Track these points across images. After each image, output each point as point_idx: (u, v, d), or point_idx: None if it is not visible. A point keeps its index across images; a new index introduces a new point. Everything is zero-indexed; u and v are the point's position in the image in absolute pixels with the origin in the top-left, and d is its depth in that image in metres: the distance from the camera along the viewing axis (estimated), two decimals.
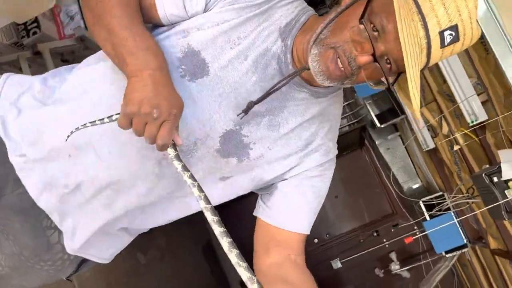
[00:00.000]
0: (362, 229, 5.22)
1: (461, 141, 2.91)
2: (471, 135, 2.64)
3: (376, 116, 4.07)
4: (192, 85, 0.90)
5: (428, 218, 3.62)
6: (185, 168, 0.84)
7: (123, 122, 0.81)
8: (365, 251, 4.73)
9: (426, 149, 3.46)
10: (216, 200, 1.05)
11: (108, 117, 0.86)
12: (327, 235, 5.24)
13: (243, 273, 0.75)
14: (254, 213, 1.08)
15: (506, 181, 2.03)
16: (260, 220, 1.05)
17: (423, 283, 4.21)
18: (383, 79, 0.90)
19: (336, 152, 1.07)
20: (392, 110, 3.98)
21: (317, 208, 1.07)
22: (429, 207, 3.53)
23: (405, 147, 4.34)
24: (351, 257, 5.04)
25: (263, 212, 1.05)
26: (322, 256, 5.13)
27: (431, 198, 3.51)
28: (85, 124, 0.86)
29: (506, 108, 2.00)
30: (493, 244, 3.30)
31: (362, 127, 4.59)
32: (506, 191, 2.00)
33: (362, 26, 0.84)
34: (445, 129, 3.11)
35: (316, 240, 5.27)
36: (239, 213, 5.54)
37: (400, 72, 0.90)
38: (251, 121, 0.96)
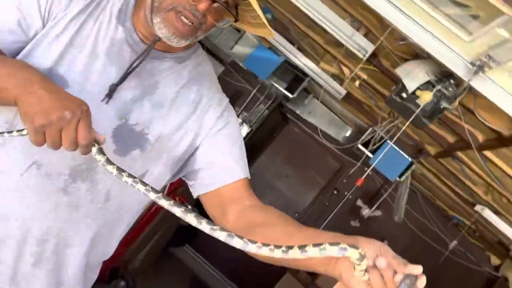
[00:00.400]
0: (322, 194, 5.38)
1: (364, 75, 3.10)
2: (368, 67, 2.82)
3: (285, 89, 4.20)
4: None
5: (370, 155, 3.82)
6: (120, 170, 0.81)
7: (36, 138, 0.76)
8: (334, 211, 4.89)
9: (340, 97, 3.64)
10: (140, 202, 1.03)
11: (17, 131, 0.80)
12: (296, 214, 5.34)
13: (220, 234, 0.73)
14: (195, 195, 1.05)
15: (413, 92, 2.19)
16: (202, 197, 1.03)
17: (394, 212, 4.44)
18: (226, 17, 0.97)
19: (227, 99, 1.10)
20: (296, 78, 4.12)
21: (241, 151, 1.05)
22: (367, 145, 3.71)
23: (322, 104, 4.52)
24: (326, 222, 5.17)
25: (199, 187, 1.03)
26: None
27: (365, 137, 3.70)
28: (2, 133, 0.82)
29: (383, 30, 2.16)
30: (432, 150, 3.56)
31: (278, 104, 4.72)
32: (417, 101, 2.16)
33: None
34: (347, 72, 3.29)
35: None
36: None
37: (236, 5, 0.96)
38: (133, 108, 0.95)
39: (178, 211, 0.76)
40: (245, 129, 5.10)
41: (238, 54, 4.29)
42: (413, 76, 2.16)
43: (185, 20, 0.90)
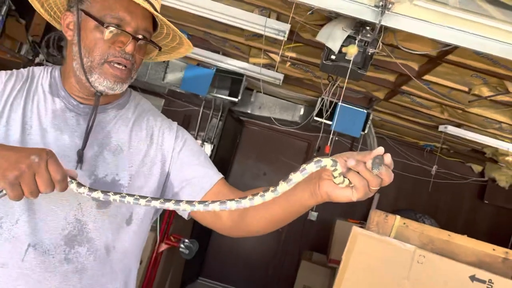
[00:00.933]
0: None
1: (292, 54, 3.20)
2: (292, 45, 2.92)
3: (228, 95, 4.26)
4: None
5: (328, 122, 3.94)
6: (105, 192, 0.84)
7: (14, 192, 0.78)
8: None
9: (280, 82, 3.74)
10: (139, 243, 1.07)
11: None
12: None
13: (214, 205, 0.77)
14: (186, 216, 1.09)
15: (340, 51, 2.30)
16: (193, 214, 1.07)
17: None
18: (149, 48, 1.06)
19: (175, 122, 1.16)
20: (234, 81, 4.19)
21: (207, 159, 1.12)
22: (322, 115, 3.82)
23: (267, 94, 4.61)
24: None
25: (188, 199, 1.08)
26: (297, 221, 5.30)
27: (317, 108, 3.81)
28: None
29: (290, 7, 2.26)
30: (380, 94, 3.71)
31: (228, 112, 4.78)
32: (346, 57, 2.27)
33: (110, 29, 0.95)
34: (276, 57, 3.38)
35: None
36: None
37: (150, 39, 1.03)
38: (97, 163, 1.00)
39: (171, 205, 0.81)
40: (208, 147, 5.14)
41: (172, 81, 4.33)
42: (333, 37, 2.27)
43: (119, 66, 0.97)
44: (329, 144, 2.89)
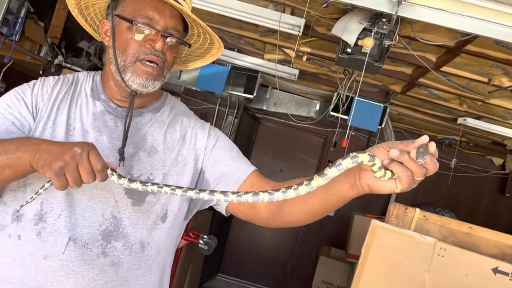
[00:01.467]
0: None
1: (307, 49, 3.19)
2: (307, 40, 2.91)
3: (244, 92, 4.27)
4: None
5: (345, 116, 3.92)
6: (143, 183, 0.88)
7: (59, 182, 0.84)
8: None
9: (295, 77, 3.73)
10: (173, 239, 1.10)
11: (42, 188, 0.91)
12: None
13: (247, 196, 0.77)
14: (225, 213, 1.12)
15: (356, 44, 2.29)
16: (231, 209, 1.10)
17: None
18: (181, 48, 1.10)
19: (208, 123, 1.20)
20: (249, 78, 4.20)
21: (239, 153, 1.14)
22: (338, 109, 3.80)
23: (282, 91, 4.61)
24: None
25: (222, 203, 1.09)
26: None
27: (333, 102, 3.79)
28: (32, 197, 0.93)
29: (305, 1, 2.25)
30: (397, 88, 3.68)
31: (244, 109, 4.78)
32: (362, 50, 2.26)
33: (139, 28, 1.00)
34: (291, 53, 3.38)
35: None
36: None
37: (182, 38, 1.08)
38: (133, 163, 1.04)
39: (205, 195, 0.83)
40: None
41: (187, 80, 4.36)
42: (349, 30, 2.25)
43: (150, 64, 1.02)
44: (346, 138, 2.87)
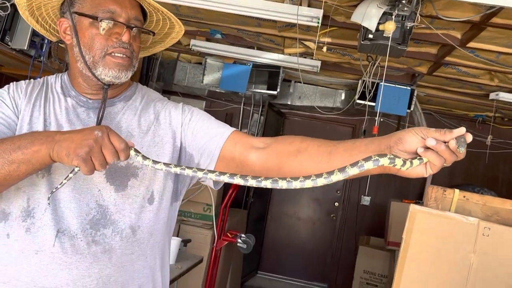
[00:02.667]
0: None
1: (328, 39, 3.17)
2: (328, 30, 2.89)
3: (267, 89, 4.28)
4: (43, 180, 1.01)
5: (372, 103, 3.87)
6: (155, 161, 0.91)
7: (87, 167, 0.85)
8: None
9: (318, 69, 3.71)
10: (165, 220, 1.09)
11: (66, 178, 0.93)
12: (338, 192, 5.38)
13: (282, 182, 0.79)
14: (213, 185, 1.12)
15: (377, 29, 2.26)
16: (217, 166, 1.08)
17: None
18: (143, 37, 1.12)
19: (181, 103, 1.18)
20: (271, 74, 4.20)
21: (216, 121, 1.13)
22: (364, 96, 3.75)
23: (306, 83, 4.58)
24: (367, 184, 5.20)
25: (207, 165, 1.08)
26: (351, 208, 5.25)
27: (359, 91, 3.75)
28: (61, 183, 0.95)
29: None
30: (423, 69, 3.60)
31: (269, 106, 4.79)
32: (384, 34, 2.22)
33: (104, 23, 1.02)
34: (312, 45, 3.36)
35: (336, 204, 5.39)
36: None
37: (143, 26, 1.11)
38: None
39: (225, 178, 0.86)
40: None
41: (210, 82, 4.39)
42: (368, 16, 2.23)
43: (119, 55, 1.04)
44: (376, 125, 2.84)
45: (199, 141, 1.09)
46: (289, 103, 4.80)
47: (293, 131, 5.46)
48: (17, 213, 1.00)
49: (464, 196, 1.89)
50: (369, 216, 5.16)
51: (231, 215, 3.71)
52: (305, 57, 3.77)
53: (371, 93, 3.62)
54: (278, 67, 4.09)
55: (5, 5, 2.15)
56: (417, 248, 1.82)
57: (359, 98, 3.93)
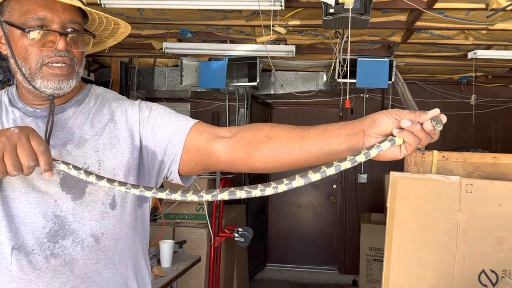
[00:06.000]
0: None
1: (296, 22, 3.15)
2: (293, 12, 2.87)
3: (248, 82, 4.25)
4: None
5: (353, 80, 3.84)
6: (76, 168, 0.86)
7: None
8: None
9: (293, 53, 3.69)
10: (132, 224, 1.05)
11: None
12: (334, 186, 5.37)
13: (271, 188, 0.77)
14: (181, 181, 1.06)
15: (337, 3, 2.24)
16: (185, 169, 1.03)
17: (407, 109, 4.43)
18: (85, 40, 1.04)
19: (139, 100, 1.14)
20: (249, 66, 4.18)
21: (176, 114, 1.07)
22: (346, 75, 3.72)
23: (285, 70, 4.56)
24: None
25: (174, 165, 1.03)
26: (349, 187, 5.23)
27: (337, 70, 3.72)
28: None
29: None
30: (397, 38, 3.57)
31: (252, 98, 4.77)
32: (344, 7, 2.20)
33: (32, 33, 0.95)
34: (282, 30, 3.33)
35: (334, 186, 5.37)
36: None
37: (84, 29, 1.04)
38: (62, 158, 0.99)
39: (136, 191, 0.85)
40: None
41: (190, 83, 4.37)
42: None
43: (57, 64, 0.97)
44: (347, 97, 2.81)
45: (160, 137, 1.03)
46: (272, 92, 4.78)
47: (282, 120, 5.44)
48: None
49: (443, 156, 1.87)
50: (368, 193, 5.15)
51: (228, 211, 3.69)
52: (278, 44, 3.74)
53: (345, 70, 3.57)
54: (255, 58, 4.07)
55: None
56: (402, 215, 1.81)
57: (340, 77, 3.90)
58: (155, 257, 2.54)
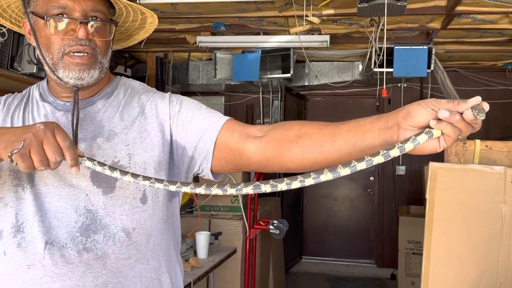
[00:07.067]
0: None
1: (330, 11, 3.09)
2: (328, 1, 2.81)
3: (282, 73, 4.22)
4: (28, 193, 0.98)
5: (390, 69, 3.74)
6: (101, 164, 0.87)
7: (24, 163, 0.80)
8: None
9: (328, 43, 3.63)
10: (164, 218, 1.04)
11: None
12: (371, 178, 5.27)
13: (301, 180, 0.72)
14: (212, 176, 1.04)
15: None
16: (217, 168, 1.02)
17: (447, 98, 4.27)
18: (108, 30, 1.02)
19: (168, 92, 1.11)
20: (283, 58, 4.14)
21: (207, 109, 1.06)
22: (382, 64, 3.63)
23: (319, 61, 4.49)
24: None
25: (205, 163, 1.02)
26: (387, 180, 5.12)
27: (373, 59, 3.63)
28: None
29: None
30: (436, 24, 3.44)
31: (286, 90, 4.73)
32: None
33: (52, 21, 0.95)
34: (316, 20, 3.27)
35: (371, 178, 5.27)
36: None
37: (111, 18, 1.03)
38: (93, 153, 1.00)
39: (172, 187, 0.83)
40: None
41: (224, 76, 4.39)
42: None
43: (79, 54, 0.97)
44: (384, 87, 2.74)
45: (191, 133, 1.02)
46: (306, 84, 4.73)
47: (316, 112, 5.39)
48: (8, 229, 0.98)
49: (487, 146, 1.79)
50: (406, 185, 5.02)
51: (263, 204, 3.70)
52: (312, 34, 3.69)
53: (382, 59, 3.47)
54: (288, 49, 4.03)
55: (1, 31, 2.21)
56: (443, 206, 1.75)
57: (377, 66, 3.80)
58: (191, 248, 2.57)
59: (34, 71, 2.73)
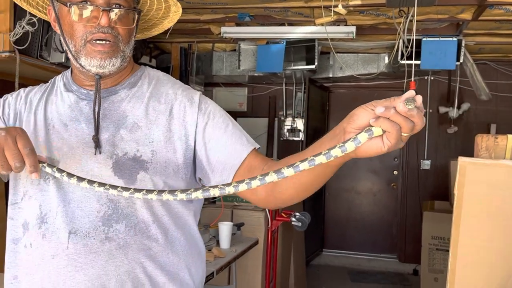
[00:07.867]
0: None
1: (357, 1, 3.03)
2: None
3: (306, 65, 4.18)
4: (51, 184, 1.00)
5: (417, 62, 3.66)
6: (60, 170, 0.89)
7: None
8: (426, 131, 4.69)
9: (353, 35, 3.57)
10: (182, 210, 1.06)
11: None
12: (395, 159, 5.19)
13: (254, 182, 0.78)
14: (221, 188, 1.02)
15: None
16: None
17: (478, 94, 4.17)
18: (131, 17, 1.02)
19: (197, 92, 1.09)
20: (307, 49, 4.10)
21: (235, 129, 1.05)
22: (410, 56, 3.55)
23: (344, 52, 4.43)
24: (426, 144, 4.97)
25: (215, 182, 1.03)
26: (411, 174, 5.05)
27: (400, 51, 3.56)
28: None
29: None
30: (467, 15, 3.34)
31: (310, 82, 4.69)
32: None
33: (74, 8, 0.96)
34: (342, 10, 3.22)
35: (395, 172, 5.20)
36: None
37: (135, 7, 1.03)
38: (115, 143, 1.00)
39: (154, 196, 0.86)
40: (300, 122, 5.13)
41: (248, 67, 4.38)
42: None
43: (101, 42, 0.97)
44: (412, 79, 2.68)
45: (212, 156, 1.03)
46: (331, 75, 4.67)
47: (340, 105, 5.33)
48: (34, 221, 1.01)
49: None
50: (431, 180, 4.93)
51: None
52: (338, 25, 3.64)
53: (409, 50, 3.39)
54: (313, 40, 3.98)
55: (32, 21, 2.25)
56: (471, 203, 1.70)
57: (403, 58, 3.72)
58: (214, 239, 2.59)
59: (63, 60, 2.77)
